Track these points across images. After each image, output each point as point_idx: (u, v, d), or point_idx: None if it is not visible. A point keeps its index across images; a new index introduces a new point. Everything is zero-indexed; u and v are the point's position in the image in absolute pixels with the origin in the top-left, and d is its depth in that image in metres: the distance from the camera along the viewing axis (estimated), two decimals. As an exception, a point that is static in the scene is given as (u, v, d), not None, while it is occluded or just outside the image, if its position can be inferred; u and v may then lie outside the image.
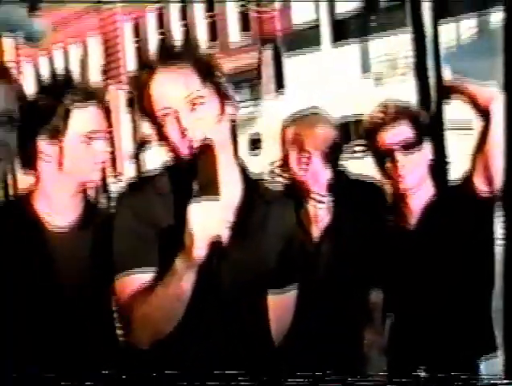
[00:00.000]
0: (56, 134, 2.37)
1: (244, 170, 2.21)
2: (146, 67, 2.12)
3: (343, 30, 20.79)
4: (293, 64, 21.48)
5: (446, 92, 3.23)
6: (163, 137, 2.11)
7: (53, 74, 2.48)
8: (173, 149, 2.10)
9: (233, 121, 2.17)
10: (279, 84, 21.92)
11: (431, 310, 2.72)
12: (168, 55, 2.12)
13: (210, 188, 1.97)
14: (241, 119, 2.29)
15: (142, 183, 2.23)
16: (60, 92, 2.38)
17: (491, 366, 2.57)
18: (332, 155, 2.85)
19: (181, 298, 2.01)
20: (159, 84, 2.08)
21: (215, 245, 1.94)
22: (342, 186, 2.81)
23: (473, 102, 2.78)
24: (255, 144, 16.32)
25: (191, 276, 1.98)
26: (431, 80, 3.46)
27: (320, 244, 2.79)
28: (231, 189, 2.12)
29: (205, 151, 2.02)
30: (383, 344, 2.86)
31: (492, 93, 2.65)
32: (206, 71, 2.10)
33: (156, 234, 2.08)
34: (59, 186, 2.41)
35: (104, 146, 2.42)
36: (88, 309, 2.34)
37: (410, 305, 2.76)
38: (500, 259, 2.06)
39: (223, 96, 2.12)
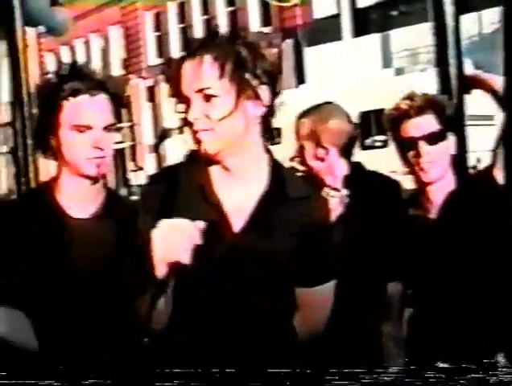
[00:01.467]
0: (55, 125, 2.40)
1: (273, 164, 2.17)
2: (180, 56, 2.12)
3: (364, 23, 20.71)
4: (314, 57, 21.43)
5: (467, 84, 3.22)
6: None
7: (60, 65, 2.49)
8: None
9: (266, 113, 2.16)
10: (300, 77, 21.88)
11: (450, 303, 2.71)
12: (194, 45, 2.11)
13: (186, 208, 2.00)
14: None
15: (162, 176, 2.23)
16: (61, 83, 2.40)
17: (509, 359, 2.55)
18: (348, 149, 2.85)
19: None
20: (184, 72, 2.07)
21: (175, 269, 1.95)
22: (357, 179, 2.80)
23: (494, 95, 2.77)
24: (275, 137, 16.28)
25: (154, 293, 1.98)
26: (452, 73, 3.44)
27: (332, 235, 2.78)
28: (255, 185, 2.12)
29: (194, 162, 2.06)
30: (401, 337, 2.85)
31: None
32: (233, 63, 2.06)
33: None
34: (70, 176, 2.43)
35: (103, 138, 2.41)
36: (106, 301, 2.34)
37: (430, 298, 2.75)
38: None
39: (244, 92, 2.08)
